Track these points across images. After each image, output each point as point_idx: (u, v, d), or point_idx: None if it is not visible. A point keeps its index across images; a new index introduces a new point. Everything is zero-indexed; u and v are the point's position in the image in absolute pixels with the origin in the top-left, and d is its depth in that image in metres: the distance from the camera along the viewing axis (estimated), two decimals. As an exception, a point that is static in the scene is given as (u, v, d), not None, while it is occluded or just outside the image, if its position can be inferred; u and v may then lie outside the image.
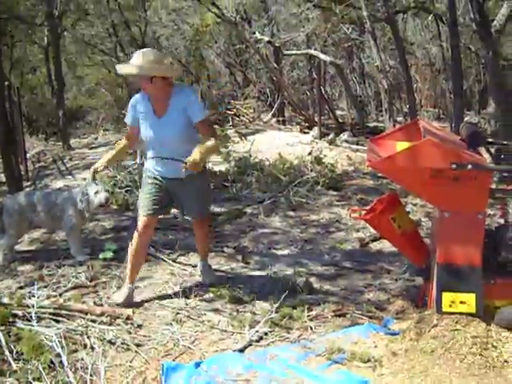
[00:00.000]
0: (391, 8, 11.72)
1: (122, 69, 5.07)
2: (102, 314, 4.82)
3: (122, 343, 4.52)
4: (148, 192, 5.20)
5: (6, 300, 4.88)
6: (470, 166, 4.06)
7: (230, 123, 14.57)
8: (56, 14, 15.49)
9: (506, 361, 4.04)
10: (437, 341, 4.19)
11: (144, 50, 4.91)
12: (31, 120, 21.69)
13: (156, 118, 4.98)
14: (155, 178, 5.19)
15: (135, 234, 5.26)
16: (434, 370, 4.02)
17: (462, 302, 4.27)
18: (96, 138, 16.27)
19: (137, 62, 4.74)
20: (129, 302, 5.20)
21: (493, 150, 4.57)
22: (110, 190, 7.79)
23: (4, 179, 9.78)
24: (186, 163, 4.71)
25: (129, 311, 4.93)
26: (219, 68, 19.92)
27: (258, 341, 4.60)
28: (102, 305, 5.19)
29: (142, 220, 5.21)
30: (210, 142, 4.89)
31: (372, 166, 4.40)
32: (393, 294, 5.46)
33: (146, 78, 4.76)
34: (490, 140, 6.28)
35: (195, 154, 4.72)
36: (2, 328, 4.35)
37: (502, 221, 4.68)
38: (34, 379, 3.71)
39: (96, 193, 6.13)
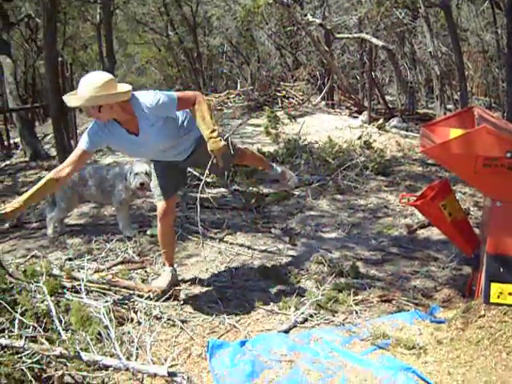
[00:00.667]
0: (446, -7, 11.52)
1: (69, 101, 4.41)
2: (149, 291, 4.87)
3: (168, 319, 4.58)
4: (156, 180, 5.02)
5: (56, 271, 4.96)
6: (525, 155, 4.01)
7: (280, 105, 14.53)
8: (109, -9, 15.63)
9: (553, 355, 4.00)
10: (483, 331, 4.16)
11: (88, 76, 4.33)
12: (82, 96, 21.89)
13: (133, 137, 4.54)
14: (161, 164, 5.02)
15: (158, 222, 5.12)
16: (479, 361, 4.00)
17: (510, 294, 4.23)
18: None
19: (81, 92, 4.25)
20: (173, 285, 5.14)
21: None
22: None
23: (55, 153, 9.92)
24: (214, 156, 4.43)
25: (176, 291, 4.98)
26: (269, 50, 19.87)
27: (302, 322, 4.61)
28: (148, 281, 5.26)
29: (159, 205, 5.04)
30: (202, 113, 4.45)
31: (425, 152, 4.36)
32: (440, 282, 5.42)
33: (95, 108, 4.29)
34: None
35: (211, 141, 4.38)
36: (52, 298, 4.42)
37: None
38: (81, 349, 3.76)
39: (136, 174, 6.19)
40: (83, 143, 4.50)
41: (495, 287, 4.26)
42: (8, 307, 4.07)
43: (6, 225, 6.87)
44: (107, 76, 4.33)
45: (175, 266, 5.36)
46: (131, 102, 4.42)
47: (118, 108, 4.36)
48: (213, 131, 4.40)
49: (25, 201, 4.36)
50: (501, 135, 4.10)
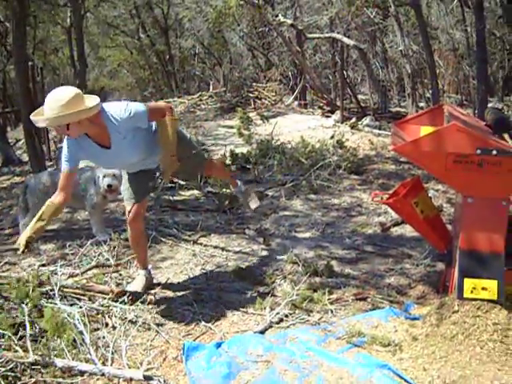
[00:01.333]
0: (416, -8, 11.60)
1: (36, 122, 4.21)
2: (123, 295, 4.84)
3: (143, 322, 4.56)
4: (127, 184, 4.98)
5: (29, 277, 4.92)
6: (495, 152, 4.03)
7: (252, 106, 14.55)
8: (79, -6, 15.56)
9: (527, 348, 4.03)
10: (457, 327, 4.18)
11: (53, 94, 4.17)
12: (54, 100, 21.74)
13: (105, 151, 4.48)
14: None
15: (128, 225, 5.10)
16: (454, 356, 4.02)
17: (483, 289, 4.26)
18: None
19: (47, 112, 4.12)
20: (148, 288, 5.15)
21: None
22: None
23: (27, 159, 9.85)
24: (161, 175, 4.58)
25: (150, 294, 4.96)
26: (241, 51, 19.88)
27: (278, 323, 4.61)
28: (122, 285, 5.23)
29: (129, 209, 4.98)
30: (167, 129, 4.50)
31: (396, 150, 4.37)
32: (414, 279, 5.45)
33: (62, 126, 4.20)
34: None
35: (164, 164, 4.56)
36: (27, 305, 4.39)
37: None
38: (56, 356, 3.74)
39: (104, 177, 6.17)
40: (64, 166, 4.48)
41: (468, 282, 4.28)
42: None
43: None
44: (72, 92, 4.20)
45: (149, 268, 5.35)
46: (101, 114, 4.33)
47: (86, 122, 4.25)
48: (173, 155, 4.49)
49: (37, 229, 4.36)
50: (471, 132, 4.13)
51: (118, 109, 4.37)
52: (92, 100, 4.27)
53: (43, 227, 4.40)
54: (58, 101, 4.11)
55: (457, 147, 4.07)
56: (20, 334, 4.10)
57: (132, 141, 4.47)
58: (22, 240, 4.29)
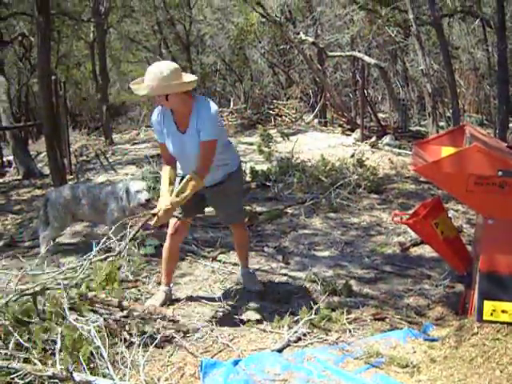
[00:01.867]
0: (437, 11, 11.61)
1: (137, 90, 4.53)
2: (142, 312, 4.84)
3: (161, 339, 4.55)
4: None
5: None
6: (517, 174, 4.03)
7: (273, 123, 14.58)
8: (102, 10, 15.72)
9: (547, 372, 4.00)
10: (477, 349, 4.16)
11: (156, 65, 4.52)
12: (75, 114, 21.95)
13: (179, 134, 4.73)
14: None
15: (168, 237, 5.21)
16: (473, 379, 3.99)
17: (503, 311, 4.24)
18: (138, 134, 16.42)
19: (148, 81, 4.44)
20: (166, 304, 5.18)
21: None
22: (153, 186, 7.85)
23: (48, 172, 9.92)
24: (155, 214, 4.56)
25: (169, 310, 4.96)
26: (262, 68, 19.95)
27: (296, 341, 4.60)
28: (141, 300, 5.24)
29: (174, 222, 5.11)
30: (188, 186, 4.61)
31: (417, 171, 4.38)
32: (433, 300, 5.42)
33: (161, 96, 4.50)
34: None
35: (166, 208, 4.56)
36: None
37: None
38: (74, 370, 3.75)
39: (137, 192, 6.18)
40: (157, 136, 4.96)
41: (488, 305, 4.27)
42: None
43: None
44: (173, 65, 4.51)
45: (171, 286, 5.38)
46: (195, 100, 4.65)
47: (183, 97, 4.56)
48: (172, 204, 4.58)
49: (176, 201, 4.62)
50: (492, 153, 4.12)
51: (210, 108, 4.62)
52: (190, 76, 4.62)
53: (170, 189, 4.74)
54: (160, 72, 4.41)
55: (478, 168, 4.07)
56: (39, 346, 4.10)
57: (197, 140, 4.64)
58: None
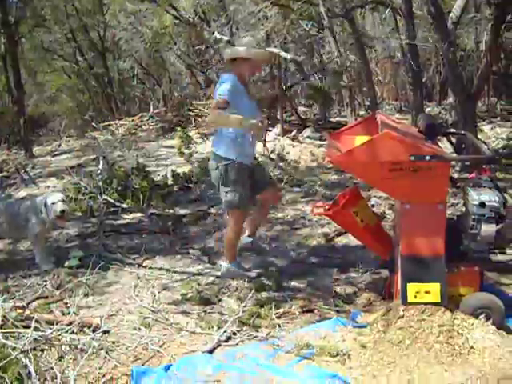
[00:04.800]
0: (348, 3, 11.75)
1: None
2: (70, 324, 4.77)
3: (92, 350, 4.48)
4: (242, 186, 5.46)
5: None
6: (428, 158, 4.11)
7: (193, 124, 14.54)
8: (12, 20, 15.33)
9: (472, 347, 4.10)
10: (404, 331, 4.24)
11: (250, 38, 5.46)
12: (-7, 129, 21.42)
13: (250, 101, 5.47)
14: (244, 169, 5.49)
15: (233, 227, 5.67)
16: (402, 361, 4.07)
17: (426, 292, 4.33)
18: (59, 145, 16.13)
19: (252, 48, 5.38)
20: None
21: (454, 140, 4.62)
22: (74, 197, 7.74)
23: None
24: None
25: (97, 319, 4.90)
26: (180, 70, 19.87)
27: (226, 341, 4.60)
28: (69, 313, 5.13)
29: (239, 214, 5.62)
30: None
31: (332, 161, 4.43)
32: (359, 288, 5.50)
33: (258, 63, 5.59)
34: (451, 130, 6.38)
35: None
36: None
37: (464, 209, 4.73)
38: (3, 391, 3.67)
39: (53, 203, 6.09)
40: (225, 92, 5.23)
41: (412, 287, 4.35)
42: None
43: None
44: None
45: (95, 296, 5.37)
46: None
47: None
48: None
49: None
50: (404, 139, 4.20)
51: None
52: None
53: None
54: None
55: (391, 155, 4.14)
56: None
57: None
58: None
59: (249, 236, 6.26)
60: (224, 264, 5.84)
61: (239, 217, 5.62)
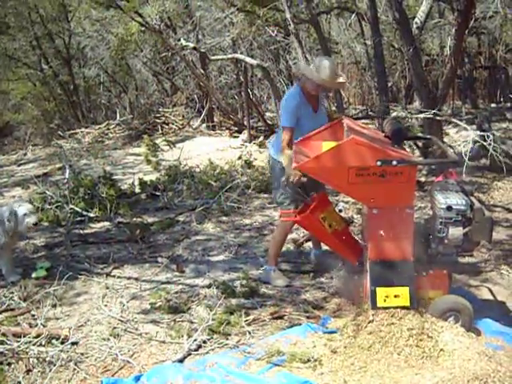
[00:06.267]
0: (314, 9, 11.79)
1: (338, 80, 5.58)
2: (38, 336, 4.71)
3: (60, 363, 4.43)
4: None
5: None
6: (394, 162, 4.13)
7: (160, 131, 14.47)
8: (-27, 28, 15.16)
9: (441, 350, 4.14)
10: (374, 336, 4.26)
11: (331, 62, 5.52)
12: (-42, 139, 21.13)
13: (313, 113, 5.57)
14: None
15: (282, 229, 5.86)
16: (372, 365, 4.10)
17: (396, 296, 4.35)
18: (25, 154, 15.93)
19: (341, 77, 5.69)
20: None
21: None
22: (41, 207, 7.66)
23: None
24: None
25: (65, 331, 4.85)
26: (146, 77, 19.77)
27: (196, 349, 4.59)
28: (36, 325, 5.06)
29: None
30: None
31: (298, 168, 4.41)
32: (329, 293, 5.51)
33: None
34: (417, 135, 6.42)
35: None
36: None
37: (431, 213, 4.76)
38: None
39: (25, 215, 5.99)
40: (289, 121, 5.46)
41: (381, 291, 4.36)
42: None
43: None
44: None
45: (63, 307, 5.34)
46: None
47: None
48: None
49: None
50: (370, 145, 4.22)
51: None
52: None
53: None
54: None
55: (357, 160, 4.15)
56: None
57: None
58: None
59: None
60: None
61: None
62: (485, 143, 7.29)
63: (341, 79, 5.64)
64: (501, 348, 4.40)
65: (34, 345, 4.62)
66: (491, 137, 7.19)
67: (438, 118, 8.51)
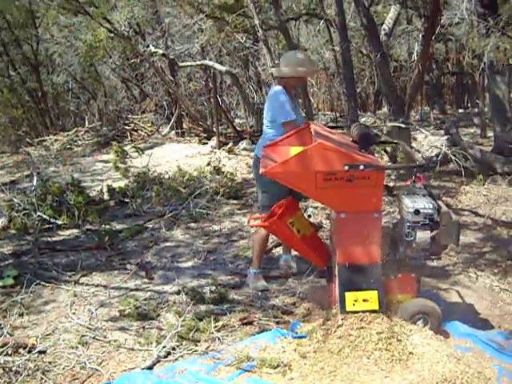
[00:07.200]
0: (283, 15, 11.83)
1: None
2: (4, 345, 4.65)
3: (27, 372, 4.38)
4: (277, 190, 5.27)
5: None
6: (361, 167, 4.15)
7: (129, 138, 14.42)
8: None
9: (410, 353, 4.16)
10: (343, 340, 4.27)
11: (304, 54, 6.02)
12: None
13: (295, 108, 5.70)
14: None
15: (258, 234, 5.76)
16: (342, 369, 4.10)
17: (364, 300, 4.36)
18: (-9, 162, 15.79)
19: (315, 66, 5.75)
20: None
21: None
22: (8, 215, 7.59)
23: None
24: None
25: (32, 339, 4.79)
26: (115, 83, 19.68)
27: (166, 356, 4.56)
28: (2, 334, 5.00)
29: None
30: None
31: (266, 173, 4.40)
32: (298, 298, 5.51)
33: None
34: (385, 139, 6.46)
35: None
36: None
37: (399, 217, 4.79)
38: None
39: None
40: (290, 114, 5.52)
41: (350, 296, 4.38)
42: None
43: None
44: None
45: (30, 315, 5.28)
46: None
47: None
48: None
49: None
50: (337, 149, 4.23)
51: None
52: None
53: None
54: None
55: (325, 165, 4.16)
56: None
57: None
58: None
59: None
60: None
61: None
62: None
63: (315, 66, 5.86)
64: (469, 350, 4.44)
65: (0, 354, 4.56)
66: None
67: (403, 125, 8.59)
